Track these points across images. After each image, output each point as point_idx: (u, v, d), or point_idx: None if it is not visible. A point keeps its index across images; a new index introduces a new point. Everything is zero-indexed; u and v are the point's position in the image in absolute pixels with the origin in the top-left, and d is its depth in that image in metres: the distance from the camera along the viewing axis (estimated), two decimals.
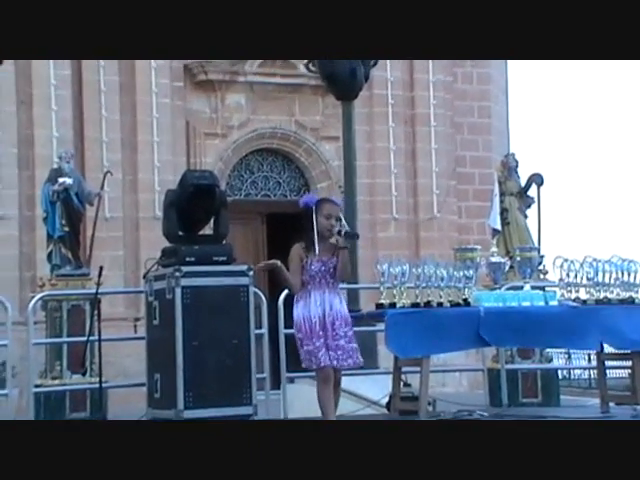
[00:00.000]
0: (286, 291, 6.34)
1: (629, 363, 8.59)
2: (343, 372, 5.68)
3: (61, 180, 10.81)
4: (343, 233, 5.58)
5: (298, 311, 5.57)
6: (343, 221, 5.64)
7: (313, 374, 6.08)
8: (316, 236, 5.52)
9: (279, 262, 5.56)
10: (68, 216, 10.87)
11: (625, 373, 10.27)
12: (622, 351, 8.42)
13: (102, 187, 11.33)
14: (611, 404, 8.52)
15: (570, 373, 15.70)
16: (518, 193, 11.65)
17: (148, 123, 14.18)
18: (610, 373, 9.54)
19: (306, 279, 5.58)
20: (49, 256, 11.00)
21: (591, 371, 13.24)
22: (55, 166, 11.50)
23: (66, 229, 10.84)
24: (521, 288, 9.18)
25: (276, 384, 9.10)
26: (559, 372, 12.04)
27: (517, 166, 11.85)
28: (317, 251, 5.53)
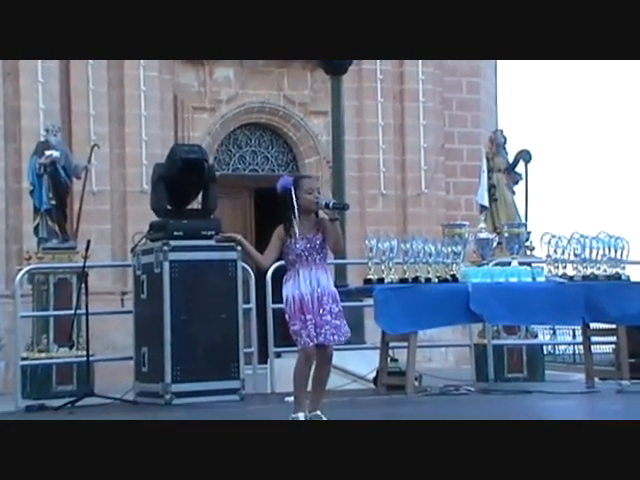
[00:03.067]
0: (274, 266, 6.30)
1: (614, 338, 8.66)
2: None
3: (48, 153, 10.77)
4: (331, 205, 5.55)
5: (287, 291, 5.56)
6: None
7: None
8: (297, 214, 5.48)
9: (239, 236, 5.55)
10: (55, 189, 10.83)
11: (609, 348, 10.33)
12: (608, 326, 8.48)
13: (89, 160, 11.27)
14: (596, 379, 8.58)
15: (555, 348, 15.78)
16: (506, 169, 11.64)
17: (136, 97, 14.10)
18: (595, 348, 9.59)
19: (293, 259, 5.57)
20: (36, 229, 10.97)
21: (575, 347, 13.32)
22: (42, 139, 11.45)
23: (53, 202, 10.81)
24: (509, 264, 9.22)
25: (263, 358, 9.13)
26: (544, 347, 12.09)
27: (505, 142, 11.84)
28: (297, 232, 5.49)
